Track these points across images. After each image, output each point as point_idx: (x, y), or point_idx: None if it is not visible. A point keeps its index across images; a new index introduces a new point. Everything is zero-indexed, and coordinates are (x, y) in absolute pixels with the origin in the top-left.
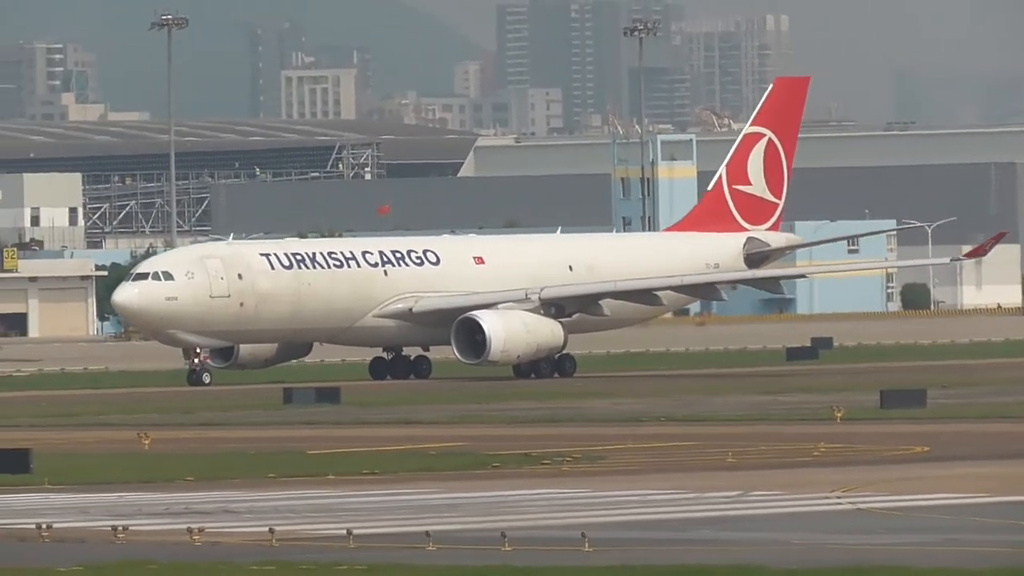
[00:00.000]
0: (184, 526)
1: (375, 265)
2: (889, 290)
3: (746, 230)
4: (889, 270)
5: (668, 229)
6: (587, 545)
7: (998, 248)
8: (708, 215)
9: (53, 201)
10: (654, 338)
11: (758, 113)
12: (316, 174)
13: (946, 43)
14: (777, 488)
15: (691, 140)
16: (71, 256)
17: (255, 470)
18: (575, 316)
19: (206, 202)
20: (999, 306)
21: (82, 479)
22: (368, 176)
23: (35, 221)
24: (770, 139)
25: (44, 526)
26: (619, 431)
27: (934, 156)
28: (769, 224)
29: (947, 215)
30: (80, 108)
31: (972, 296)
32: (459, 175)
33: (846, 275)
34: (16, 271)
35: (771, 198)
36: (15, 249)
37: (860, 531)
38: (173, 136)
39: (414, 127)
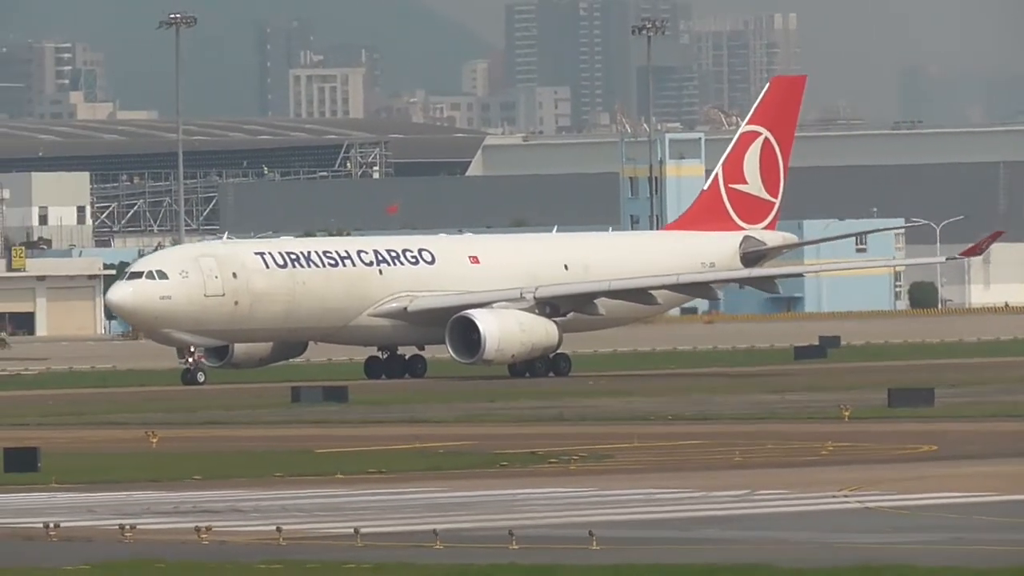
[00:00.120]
0: (192, 525)
1: (370, 264)
2: (897, 289)
3: (742, 229)
4: (897, 269)
5: (664, 228)
6: (594, 544)
7: (1006, 247)
8: (704, 214)
9: (61, 200)
10: (661, 337)
11: (754, 112)
12: (324, 173)
13: (954, 42)
14: (784, 487)
15: (699, 138)
16: (79, 255)
17: (263, 469)
18: (570, 315)
19: (214, 201)
20: (1007, 305)
21: (90, 478)
22: (376, 175)
23: (43, 220)
24: (767, 138)
25: (51, 525)
26: (626, 430)
27: (942, 155)
28: (765, 223)
29: (955, 214)
30: (88, 107)
31: (980, 295)
32: (467, 174)
33: (853, 274)
34: (24, 270)
35: (767, 197)
36: (23, 248)
37: (867, 530)
38: (181, 135)
39: (422, 126)
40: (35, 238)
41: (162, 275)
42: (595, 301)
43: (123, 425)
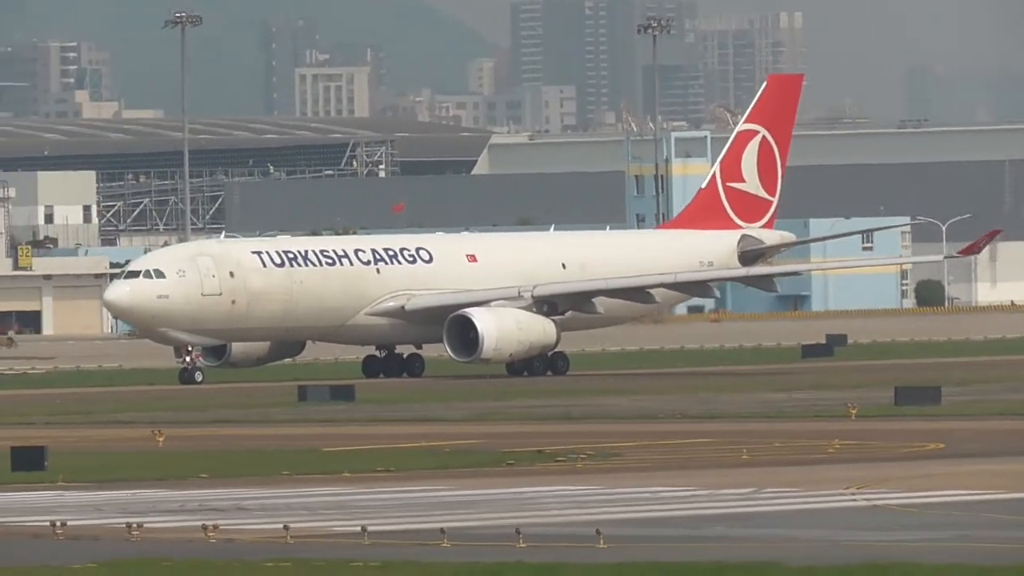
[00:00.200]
0: (199, 523)
1: (367, 263)
2: (904, 287)
3: (740, 228)
4: (904, 267)
5: (662, 226)
6: (601, 542)
7: (1013, 245)
8: (702, 212)
9: (67, 199)
10: (668, 335)
11: (751, 110)
12: (330, 172)
13: (960, 41)
14: (791, 485)
15: (705, 137)
16: (85, 254)
17: (270, 467)
18: (568, 314)
19: (220, 200)
20: (1013, 303)
21: (96, 476)
22: (382, 174)
23: (49, 219)
24: (764, 136)
25: (58, 524)
26: (633, 428)
27: (948, 153)
28: (763, 222)
29: (961, 212)
30: (94, 106)
31: (987, 293)
32: (473, 173)
33: (859, 272)
34: (30, 269)
35: (765, 195)
36: (29, 247)
37: (874, 528)
38: (187, 134)
39: (428, 124)
40: (41, 237)
41: (159, 274)
42: (593, 300)
43: (130, 424)
